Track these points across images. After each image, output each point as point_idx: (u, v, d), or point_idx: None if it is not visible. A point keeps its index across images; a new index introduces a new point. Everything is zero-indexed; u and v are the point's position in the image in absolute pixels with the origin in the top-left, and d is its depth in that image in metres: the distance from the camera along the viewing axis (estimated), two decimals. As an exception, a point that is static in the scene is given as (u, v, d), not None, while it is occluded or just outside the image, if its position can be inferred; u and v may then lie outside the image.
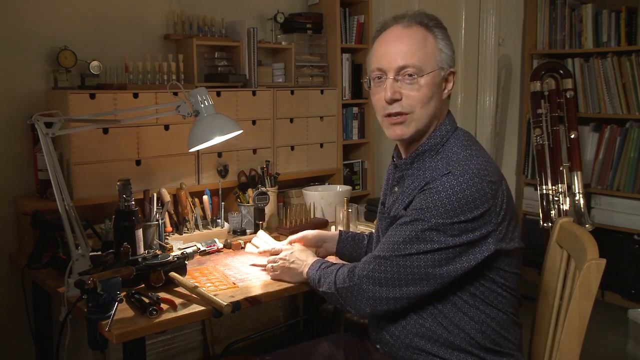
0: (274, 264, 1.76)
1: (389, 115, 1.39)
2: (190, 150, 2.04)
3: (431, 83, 1.36)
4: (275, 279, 1.78)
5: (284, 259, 1.72)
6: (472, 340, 1.34)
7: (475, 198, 1.27)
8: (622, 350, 2.90)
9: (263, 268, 1.87)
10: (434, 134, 1.41)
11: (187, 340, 2.66)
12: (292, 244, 1.85)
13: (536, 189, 3.51)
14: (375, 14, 3.21)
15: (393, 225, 1.38)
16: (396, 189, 1.47)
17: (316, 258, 1.66)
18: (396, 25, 1.39)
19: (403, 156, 1.49)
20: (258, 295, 1.73)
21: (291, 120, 2.81)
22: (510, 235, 1.33)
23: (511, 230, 1.34)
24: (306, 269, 1.63)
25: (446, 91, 1.42)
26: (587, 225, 3.34)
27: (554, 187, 3.42)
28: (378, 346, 1.48)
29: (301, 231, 1.92)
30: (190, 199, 2.33)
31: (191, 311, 1.62)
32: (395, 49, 1.37)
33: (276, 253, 1.82)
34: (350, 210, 2.23)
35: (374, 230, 1.74)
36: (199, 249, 2.13)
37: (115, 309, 1.50)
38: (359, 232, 1.90)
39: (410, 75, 1.35)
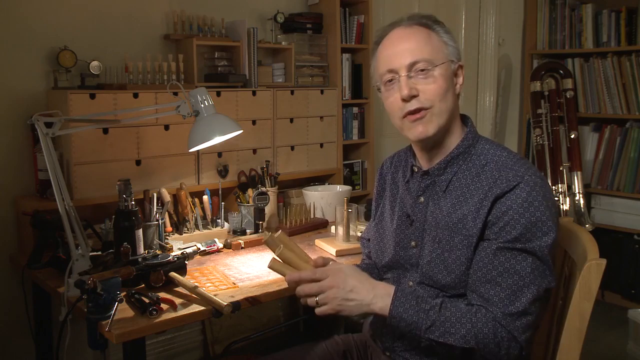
0: (319, 296, 1.28)
1: (409, 113, 1.34)
2: (190, 150, 2.05)
3: (445, 74, 1.34)
4: (325, 313, 1.29)
5: (337, 287, 1.27)
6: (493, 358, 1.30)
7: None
8: (622, 350, 2.91)
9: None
10: (466, 136, 1.38)
11: (187, 340, 2.66)
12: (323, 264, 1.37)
13: (536, 189, 3.51)
14: (375, 14, 3.21)
15: (497, 257, 1.25)
16: (422, 199, 1.40)
17: (382, 283, 1.32)
18: (397, 28, 1.38)
19: (423, 162, 1.42)
20: (258, 295, 1.73)
21: (291, 120, 2.81)
22: None
23: None
24: (381, 302, 1.27)
25: (458, 86, 1.39)
26: (587, 225, 3.35)
27: (554, 187, 3.42)
28: (388, 353, 1.46)
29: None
30: (190, 199, 2.33)
31: (191, 311, 1.62)
32: (403, 48, 1.34)
33: (308, 280, 1.30)
34: (350, 210, 2.22)
35: (367, 235, 1.64)
36: (199, 249, 2.13)
37: (115, 309, 1.50)
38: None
39: (422, 70, 1.32)
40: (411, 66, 1.32)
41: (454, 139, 1.38)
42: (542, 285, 1.25)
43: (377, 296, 1.27)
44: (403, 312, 1.25)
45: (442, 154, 1.38)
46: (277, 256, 1.35)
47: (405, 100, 1.32)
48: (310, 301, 1.30)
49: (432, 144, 1.38)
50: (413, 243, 1.40)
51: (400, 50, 1.34)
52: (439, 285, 1.34)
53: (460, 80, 1.40)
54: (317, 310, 1.29)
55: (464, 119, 1.43)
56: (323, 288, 1.27)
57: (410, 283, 1.40)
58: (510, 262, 1.25)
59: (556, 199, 3.41)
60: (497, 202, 1.27)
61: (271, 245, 1.36)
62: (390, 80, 1.36)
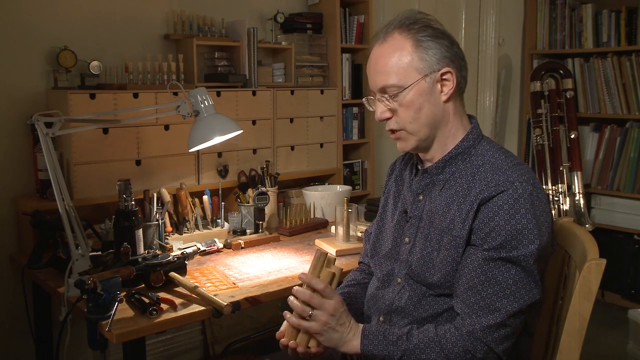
0: (313, 312, 1.31)
1: (389, 130, 1.40)
2: (190, 150, 2.05)
3: (417, 94, 1.33)
4: (307, 329, 1.33)
5: (328, 323, 1.30)
6: None
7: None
8: (622, 350, 2.90)
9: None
10: (466, 137, 1.38)
11: (187, 340, 2.66)
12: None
13: (536, 189, 3.51)
14: (375, 14, 3.21)
15: (481, 265, 1.25)
16: (421, 197, 1.41)
17: (357, 324, 1.35)
18: (376, 44, 1.39)
19: (425, 161, 1.44)
20: (258, 295, 1.73)
21: (291, 120, 2.81)
22: None
23: None
24: (355, 342, 1.31)
25: (443, 94, 1.36)
26: (587, 225, 3.34)
27: (554, 187, 3.42)
28: None
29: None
30: (190, 199, 2.33)
31: (191, 311, 1.62)
32: (374, 70, 1.37)
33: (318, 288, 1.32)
34: (350, 210, 2.22)
35: (371, 231, 1.63)
36: (199, 249, 2.13)
37: (115, 309, 1.50)
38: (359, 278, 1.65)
39: (392, 95, 1.34)
40: (382, 91, 1.36)
41: (452, 141, 1.38)
42: (525, 299, 1.24)
43: (354, 336, 1.32)
44: (373, 349, 1.30)
45: (440, 153, 1.39)
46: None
47: (380, 121, 1.39)
48: (303, 310, 1.31)
49: (423, 149, 1.40)
50: (407, 239, 1.42)
51: (373, 72, 1.38)
52: (425, 283, 1.35)
53: (446, 87, 1.36)
54: (303, 323, 1.32)
55: (471, 119, 1.43)
56: (322, 308, 1.29)
57: (399, 280, 1.41)
58: (493, 272, 1.25)
59: (556, 199, 3.41)
60: (482, 206, 1.27)
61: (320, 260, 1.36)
62: (372, 97, 1.41)
